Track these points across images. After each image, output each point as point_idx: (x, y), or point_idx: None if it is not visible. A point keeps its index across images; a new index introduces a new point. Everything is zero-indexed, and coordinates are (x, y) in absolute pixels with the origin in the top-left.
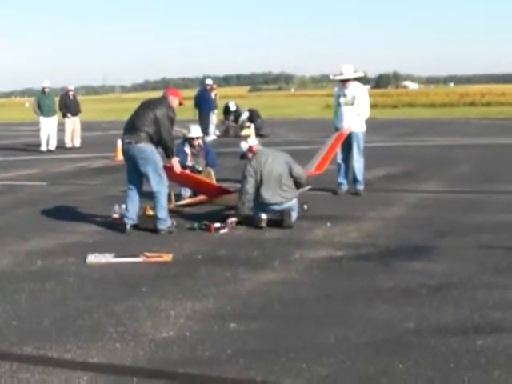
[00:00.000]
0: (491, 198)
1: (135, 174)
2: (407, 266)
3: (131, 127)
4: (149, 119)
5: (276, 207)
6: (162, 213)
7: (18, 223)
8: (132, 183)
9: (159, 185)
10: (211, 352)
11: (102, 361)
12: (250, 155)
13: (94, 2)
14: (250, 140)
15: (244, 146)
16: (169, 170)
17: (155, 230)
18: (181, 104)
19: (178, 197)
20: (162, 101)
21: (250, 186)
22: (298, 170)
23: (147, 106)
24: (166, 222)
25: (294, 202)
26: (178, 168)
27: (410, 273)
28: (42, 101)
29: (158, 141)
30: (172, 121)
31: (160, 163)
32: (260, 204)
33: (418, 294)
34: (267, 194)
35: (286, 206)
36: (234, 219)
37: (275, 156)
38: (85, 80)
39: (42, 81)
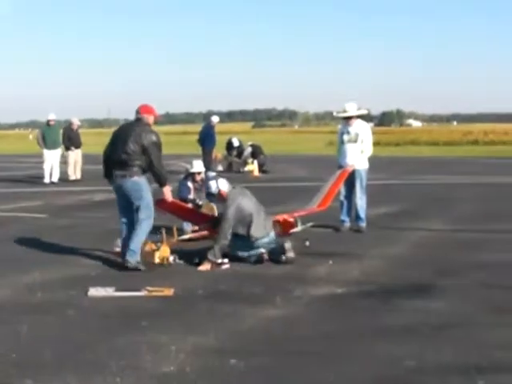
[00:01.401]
0: (493, 237)
1: (128, 207)
2: (409, 304)
3: (121, 161)
4: (137, 151)
5: (265, 240)
6: (135, 245)
7: (20, 255)
8: (126, 217)
9: (147, 218)
10: None
11: None
12: (220, 200)
13: (97, 35)
14: (220, 183)
15: (213, 186)
16: (163, 202)
17: (158, 264)
18: (155, 118)
19: (181, 231)
20: (141, 125)
21: (230, 231)
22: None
23: (128, 135)
24: (135, 256)
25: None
26: (169, 196)
27: (412, 311)
28: (47, 133)
29: (150, 170)
30: (159, 146)
31: (151, 196)
32: (248, 242)
33: (420, 332)
34: (257, 231)
35: (270, 238)
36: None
37: (246, 193)
38: (89, 113)
39: (46, 113)
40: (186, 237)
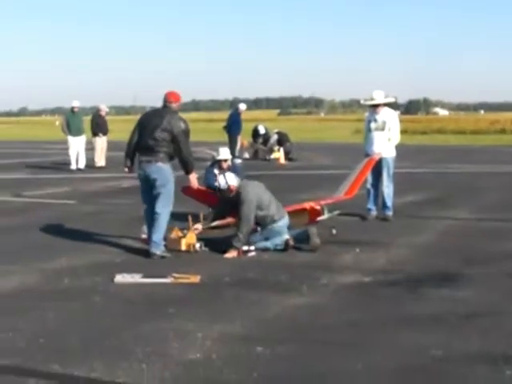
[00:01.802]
0: None
1: (151, 193)
2: (435, 292)
3: (148, 147)
4: (165, 138)
5: (283, 221)
6: (157, 236)
7: (47, 241)
8: (149, 204)
9: (164, 207)
10: (237, 375)
11: (128, 381)
12: (230, 193)
13: (123, 22)
14: (229, 178)
15: (222, 182)
16: (189, 189)
17: (184, 251)
18: (179, 107)
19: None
20: (170, 113)
21: (253, 215)
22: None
23: (157, 122)
24: (159, 246)
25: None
26: (195, 183)
27: (438, 300)
28: (71, 120)
29: (177, 157)
30: (188, 133)
31: (173, 187)
32: (272, 228)
33: (446, 321)
34: (273, 212)
35: (285, 221)
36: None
37: (255, 183)
38: (115, 100)
39: (71, 100)
40: (212, 224)
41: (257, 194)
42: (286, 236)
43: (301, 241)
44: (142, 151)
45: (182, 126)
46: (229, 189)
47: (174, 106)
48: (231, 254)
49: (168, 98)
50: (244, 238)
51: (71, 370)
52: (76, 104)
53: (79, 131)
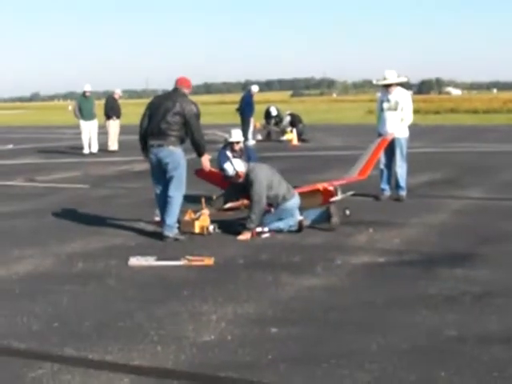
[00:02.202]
0: None
1: (163, 177)
2: (450, 272)
3: (159, 131)
4: (177, 121)
5: (294, 200)
6: (171, 219)
7: (61, 225)
8: (161, 186)
9: (177, 191)
10: (252, 356)
11: (143, 363)
12: (238, 179)
13: (135, 8)
14: (236, 164)
15: (230, 169)
16: (202, 172)
17: (198, 234)
18: (189, 93)
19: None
20: (181, 96)
21: (264, 194)
22: None
23: (169, 105)
24: (172, 229)
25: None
26: (207, 166)
27: (453, 280)
28: (83, 104)
29: (190, 140)
30: (199, 116)
31: (185, 170)
32: (284, 208)
33: (461, 301)
34: (284, 188)
35: (297, 200)
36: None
37: (263, 165)
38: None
39: (84, 84)
40: (225, 206)
41: (266, 175)
42: (300, 217)
43: (319, 221)
44: (152, 135)
45: (194, 109)
46: (237, 175)
47: (185, 89)
48: (245, 235)
49: (179, 82)
50: (257, 219)
51: (86, 354)
52: (88, 88)
53: (91, 115)
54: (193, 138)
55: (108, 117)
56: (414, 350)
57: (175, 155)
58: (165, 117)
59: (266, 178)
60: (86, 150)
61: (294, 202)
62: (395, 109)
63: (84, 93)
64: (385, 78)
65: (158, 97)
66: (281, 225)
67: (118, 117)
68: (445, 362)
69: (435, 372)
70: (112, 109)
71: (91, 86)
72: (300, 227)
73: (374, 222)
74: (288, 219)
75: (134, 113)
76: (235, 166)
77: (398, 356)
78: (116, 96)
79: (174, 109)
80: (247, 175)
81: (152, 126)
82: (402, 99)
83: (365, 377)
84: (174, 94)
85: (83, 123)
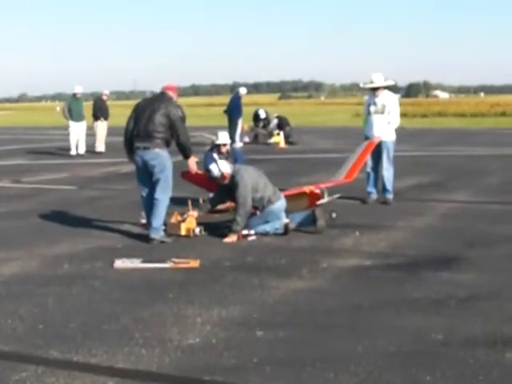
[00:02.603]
0: None
1: (148, 180)
2: (436, 276)
3: (145, 133)
4: (163, 123)
5: (280, 202)
6: (157, 222)
7: (47, 227)
8: (146, 188)
9: (163, 193)
10: (237, 359)
11: (127, 366)
12: (224, 180)
13: (122, 7)
14: (221, 165)
15: (215, 170)
16: (188, 174)
17: (184, 236)
18: (176, 99)
19: (207, 203)
20: (167, 100)
21: (250, 197)
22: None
23: (153, 108)
24: (158, 232)
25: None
26: (194, 168)
27: (439, 283)
28: (73, 105)
29: (176, 143)
30: (184, 119)
31: (171, 172)
32: (270, 210)
33: (447, 304)
34: (270, 190)
35: (283, 202)
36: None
37: (249, 168)
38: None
39: (72, 85)
40: (212, 208)
41: (251, 177)
42: (286, 220)
43: (305, 224)
44: (138, 137)
45: (179, 111)
46: (222, 176)
47: (171, 94)
48: (231, 238)
49: (165, 87)
50: (242, 221)
51: (70, 356)
52: (79, 90)
53: (81, 117)
54: (178, 140)
55: (96, 118)
56: (400, 353)
57: (161, 157)
58: (151, 119)
59: (251, 181)
60: (73, 152)
61: (280, 204)
62: (382, 112)
63: (74, 94)
64: (372, 82)
65: (144, 100)
66: (267, 228)
67: (106, 118)
68: (430, 365)
69: (421, 375)
70: (100, 110)
71: (82, 87)
72: (286, 230)
73: (360, 225)
74: (274, 222)
75: (121, 114)
76: (220, 167)
77: (384, 359)
78: (104, 97)
79: (159, 111)
80: (232, 177)
81: (138, 128)
82: (389, 102)
83: (350, 380)
84: (161, 98)
85: (72, 124)
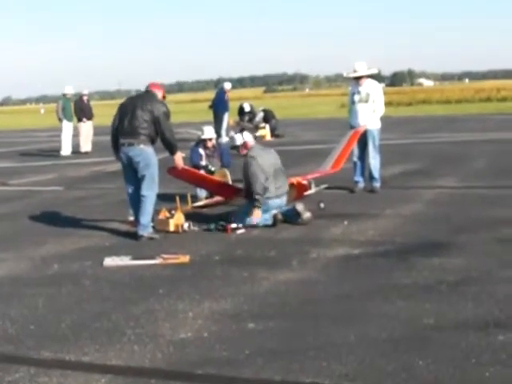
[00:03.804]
0: (508, 193)
1: (135, 176)
2: (425, 262)
3: (130, 130)
4: (147, 120)
5: (278, 201)
6: (145, 218)
7: (35, 228)
8: (133, 185)
9: (149, 190)
10: (229, 352)
11: (120, 363)
12: (243, 151)
13: (107, 8)
14: (246, 135)
15: (238, 139)
16: (175, 170)
17: (172, 232)
18: (164, 97)
19: (194, 198)
20: (151, 97)
21: (263, 179)
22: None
23: (138, 105)
24: (146, 228)
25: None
26: (180, 164)
27: (429, 269)
28: (67, 105)
29: (161, 140)
30: (168, 115)
31: (157, 169)
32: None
33: (437, 290)
34: (272, 187)
35: (281, 201)
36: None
37: (269, 151)
38: (100, 85)
39: (57, 87)
40: (200, 203)
41: (263, 160)
42: (274, 210)
43: (290, 217)
44: (123, 134)
45: (163, 108)
46: (244, 145)
47: (156, 91)
48: (256, 215)
49: (150, 86)
50: (260, 197)
51: (62, 355)
52: (69, 90)
53: (72, 117)
54: (163, 137)
55: (78, 119)
56: (392, 339)
57: (146, 154)
58: (135, 116)
59: (263, 164)
60: (64, 152)
61: (279, 203)
62: (366, 101)
63: (65, 95)
64: (355, 71)
65: (129, 97)
66: (257, 220)
67: (89, 118)
68: (422, 351)
69: (413, 361)
70: (81, 111)
71: (72, 88)
72: (275, 221)
73: (348, 214)
74: (264, 214)
75: (106, 114)
76: (244, 137)
77: (376, 346)
78: (84, 98)
79: (143, 108)
80: (247, 155)
81: (123, 125)
82: (373, 91)
83: (343, 368)
84: (145, 95)
85: (66, 124)
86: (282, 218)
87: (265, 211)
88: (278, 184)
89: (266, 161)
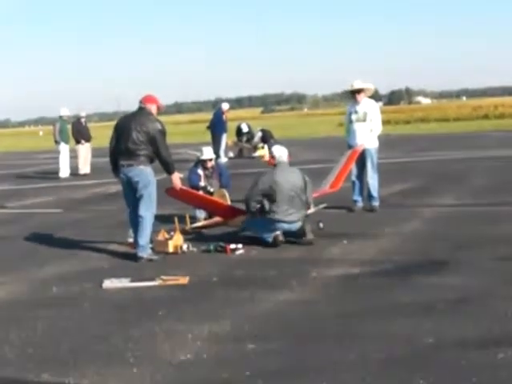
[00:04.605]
0: (507, 210)
1: (134, 196)
2: (425, 280)
3: (128, 151)
4: (143, 141)
5: (285, 226)
6: (144, 240)
7: (33, 250)
8: (133, 206)
9: (147, 210)
10: (229, 374)
11: None
12: (271, 163)
13: (106, 28)
14: (276, 149)
15: (267, 152)
16: (173, 190)
17: (171, 253)
18: (159, 108)
19: (193, 219)
20: (144, 114)
21: (260, 188)
22: (310, 191)
23: (133, 125)
24: (146, 250)
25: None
26: (178, 184)
27: (428, 287)
28: (63, 128)
29: (158, 158)
30: (164, 134)
31: (155, 189)
32: (270, 222)
33: (437, 308)
34: (278, 211)
35: (297, 225)
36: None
37: (293, 170)
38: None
39: (55, 109)
40: (199, 224)
41: (270, 181)
42: (277, 232)
43: (293, 235)
44: (122, 155)
45: (158, 126)
46: (271, 157)
47: (149, 107)
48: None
49: (144, 101)
50: (250, 202)
51: (62, 379)
52: (65, 112)
53: (69, 139)
54: (159, 155)
55: (76, 141)
56: (392, 358)
57: (144, 174)
58: (131, 137)
59: (269, 184)
60: (63, 174)
61: (286, 227)
62: (364, 120)
63: (61, 117)
64: (352, 86)
65: (123, 117)
66: (257, 231)
67: (87, 140)
68: (423, 370)
69: (414, 380)
70: (79, 132)
71: (68, 109)
72: (275, 242)
73: (347, 233)
74: (265, 230)
75: (105, 135)
76: (274, 150)
77: (377, 365)
78: (82, 120)
79: (138, 127)
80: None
81: (120, 146)
82: (371, 110)
83: None
84: (139, 113)
85: (63, 146)
86: (284, 240)
87: (269, 230)
88: (290, 210)
89: (285, 179)
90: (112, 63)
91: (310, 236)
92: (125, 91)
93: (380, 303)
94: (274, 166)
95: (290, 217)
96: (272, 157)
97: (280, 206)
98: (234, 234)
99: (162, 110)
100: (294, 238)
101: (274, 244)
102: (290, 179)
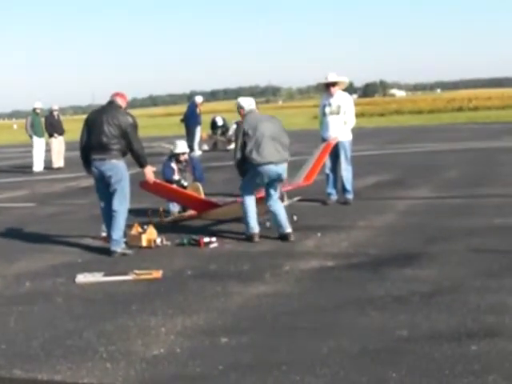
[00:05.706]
0: (480, 202)
1: (107, 192)
2: (398, 273)
3: (100, 145)
4: (116, 135)
5: (273, 167)
6: (117, 234)
7: (6, 245)
8: (105, 200)
9: (121, 204)
10: (203, 368)
11: (92, 381)
12: (242, 112)
13: (80, 23)
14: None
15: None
16: (146, 184)
17: (145, 247)
18: (126, 106)
19: (167, 212)
20: (115, 108)
21: (240, 142)
22: (286, 138)
23: (104, 119)
24: (119, 244)
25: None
26: (151, 177)
27: (402, 280)
28: (36, 121)
29: (130, 152)
30: (136, 127)
31: (128, 183)
32: (259, 173)
33: (410, 301)
34: (267, 152)
35: (283, 166)
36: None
37: (266, 117)
38: (73, 100)
39: (30, 102)
40: (172, 217)
41: (247, 128)
42: (256, 230)
43: (280, 222)
44: (94, 149)
45: (130, 119)
46: (239, 108)
47: (119, 101)
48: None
49: (113, 96)
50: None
51: (34, 374)
52: (38, 105)
53: (43, 132)
54: (131, 148)
55: (50, 135)
56: (365, 351)
57: (117, 168)
58: (103, 130)
59: (249, 126)
60: (36, 168)
61: (271, 168)
62: (337, 113)
63: (34, 109)
64: (326, 79)
65: (94, 111)
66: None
67: (60, 133)
68: (396, 363)
69: (387, 373)
70: (51, 126)
71: (41, 102)
72: (251, 238)
73: (321, 226)
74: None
75: (79, 129)
76: (239, 101)
77: (350, 359)
78: (54, 113)
79: (110, 122)
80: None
81: (92, 140)
82: (344, 103)
83: (317, 381)
84: (109, 107)
85: (36, 140)
86: (269, 226)
87: (259, 182)
88: (276, 149)
89: (257, 121)
90: (87, 56)
91: (288, 229)
92: (100, 85)
93: (354, 296)
94: (244, 116)
95: (276, 156)
96: (240, 108)
97: (265, 148)
98: (208, 227)
99: (128, 106)
100: (278, 181)
101: (251, 240)
102: (264, 122)
